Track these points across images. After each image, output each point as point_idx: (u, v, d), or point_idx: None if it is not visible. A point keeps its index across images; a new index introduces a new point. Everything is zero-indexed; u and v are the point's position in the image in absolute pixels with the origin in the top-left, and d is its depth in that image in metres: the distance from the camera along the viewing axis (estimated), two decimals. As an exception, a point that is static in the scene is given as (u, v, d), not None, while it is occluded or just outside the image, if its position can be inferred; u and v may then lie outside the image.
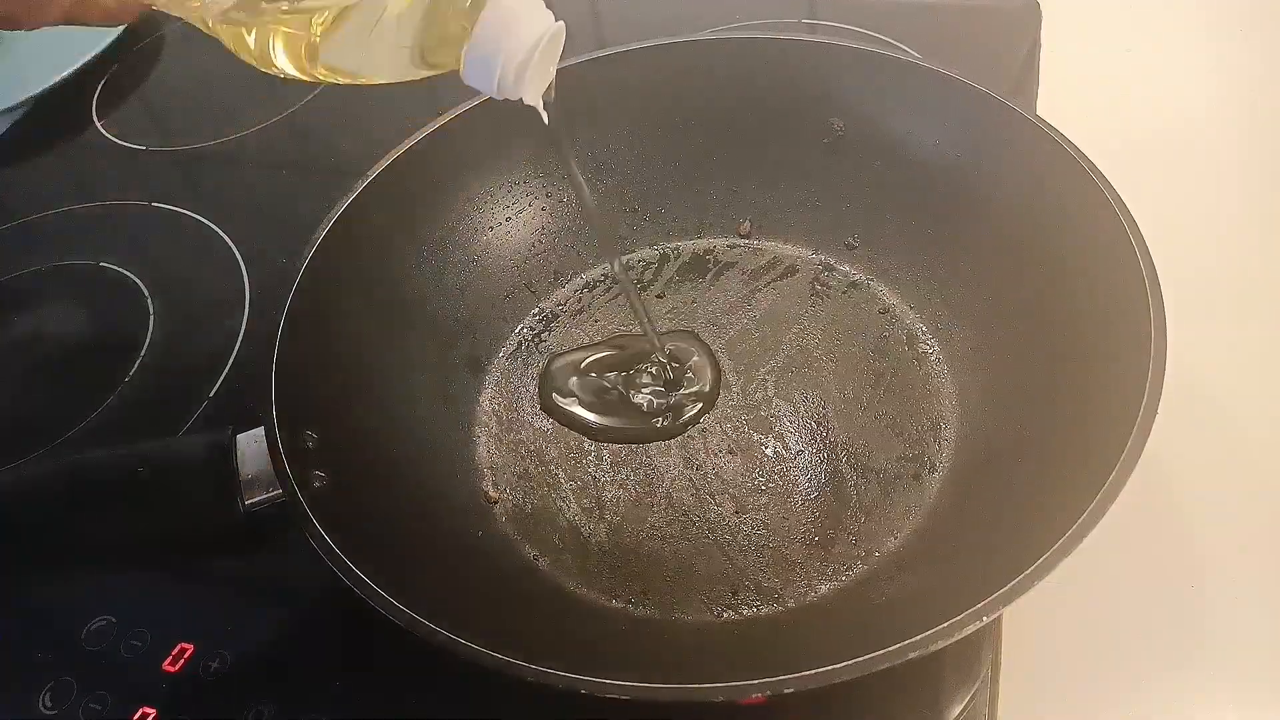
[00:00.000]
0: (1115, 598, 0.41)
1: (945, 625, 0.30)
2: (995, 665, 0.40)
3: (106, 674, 0.44)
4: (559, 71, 0.52)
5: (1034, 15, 0.69)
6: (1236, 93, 0.64)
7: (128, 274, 0.64)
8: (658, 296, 0.55)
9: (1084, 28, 0.69)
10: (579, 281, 0.56)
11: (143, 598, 0.47)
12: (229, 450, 0.40)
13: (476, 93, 0.50)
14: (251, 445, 0.40)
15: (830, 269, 0.54)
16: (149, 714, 0.42)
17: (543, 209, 0.56)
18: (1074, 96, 0.63)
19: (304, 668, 0.42)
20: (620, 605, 0.42)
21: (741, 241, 0.56)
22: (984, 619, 0.31)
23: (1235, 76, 0.66)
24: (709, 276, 0.55)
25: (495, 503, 0.47)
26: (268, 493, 0.39)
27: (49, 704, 0.43)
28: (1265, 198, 0.58)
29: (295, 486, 0.37)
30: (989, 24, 0.69)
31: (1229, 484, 0.45)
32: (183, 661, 0.43)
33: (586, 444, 0.49)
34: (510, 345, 0.54)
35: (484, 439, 0.50)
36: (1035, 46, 0.67)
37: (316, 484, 0.39)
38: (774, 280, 0.54)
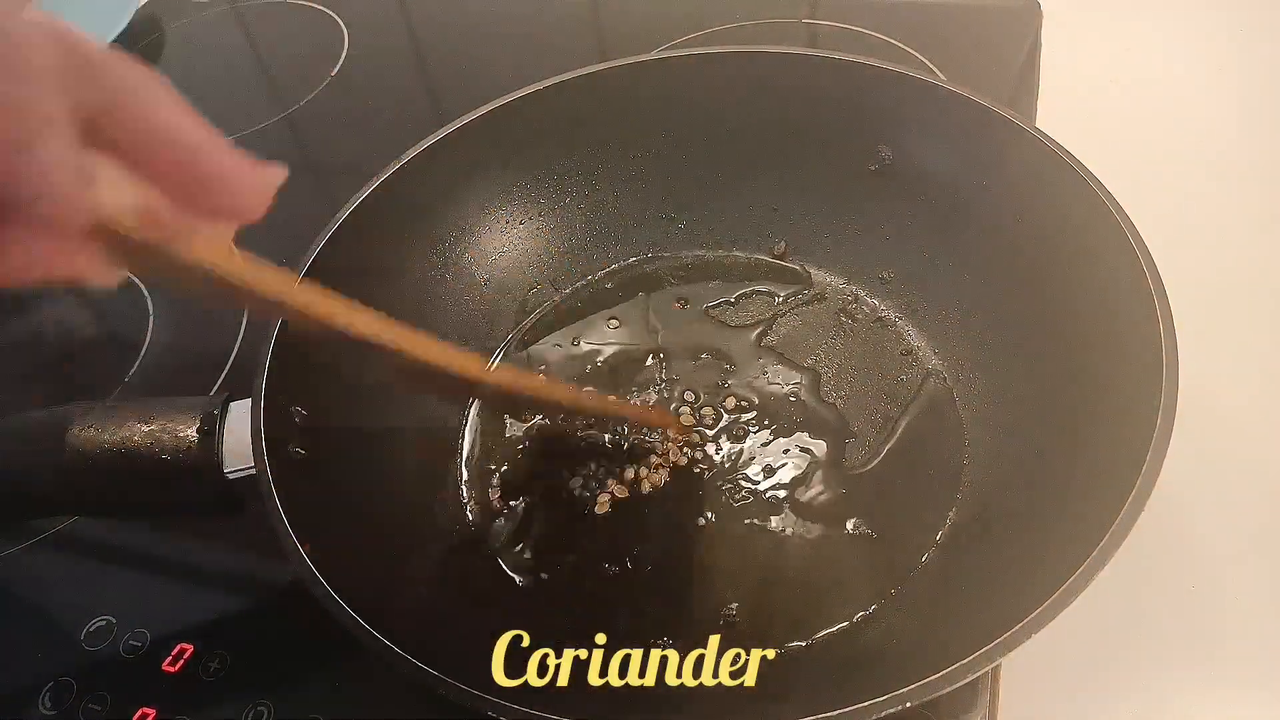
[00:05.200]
0: (1117, 597, 0.41)
1: (951, 670, 0.30)
2: (995, 667, 0.39)
3: (106, 674, 0.44)
4: (613, 69, 0.52)
5: (1034, 14, 0.69)
6: (1236, 88, 0.64)
7: (127, 274, 0.64)
8: (678, 301, 0.55)
9: (1084, 27, 0.69)
10: (580, 291, 0.56)
11: (143, 598, 0.47)
12: (217, 416, 0.40)
13: (481, 103, 0.51)
14: (240, 414, 0.40)
15: (859, 301, 0.53)
16: (149, 714, 0.42)
17: (542, 218, 0.56)
18: (1074, 96, 0.63)
19: (304, 668, 0.42)
20: (607, 639, 0.41)
21: (774, 261, 0.55)
22: (991, 662, 0.30)
23: (1235, 72, 0.66)
24: (734, 293, 0.54)
25: (486, 514, 0.47)
26: (246, 463, 0.39)
27: (49, 704, 0.43)
28: (1267, 194, 0.58)
29: (265, 451, 0.38)
30: (990, 23, 0.69)
31: (1229, 487, 0.45)
32: (182, 662, 0.43)
33: (580, 469, 0.48)
34: (511, 350, 0.54)
35: (475, 447, 0.50)
36: (1036, 46, 0.67)
37: (294, 459, 0.39)
38: (799, 305, 0.53)
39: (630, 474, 0.47)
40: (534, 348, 0.54)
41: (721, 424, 0.49)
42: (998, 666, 0.40)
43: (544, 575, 0.44)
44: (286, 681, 0.42)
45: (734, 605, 0.42)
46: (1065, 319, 0.43)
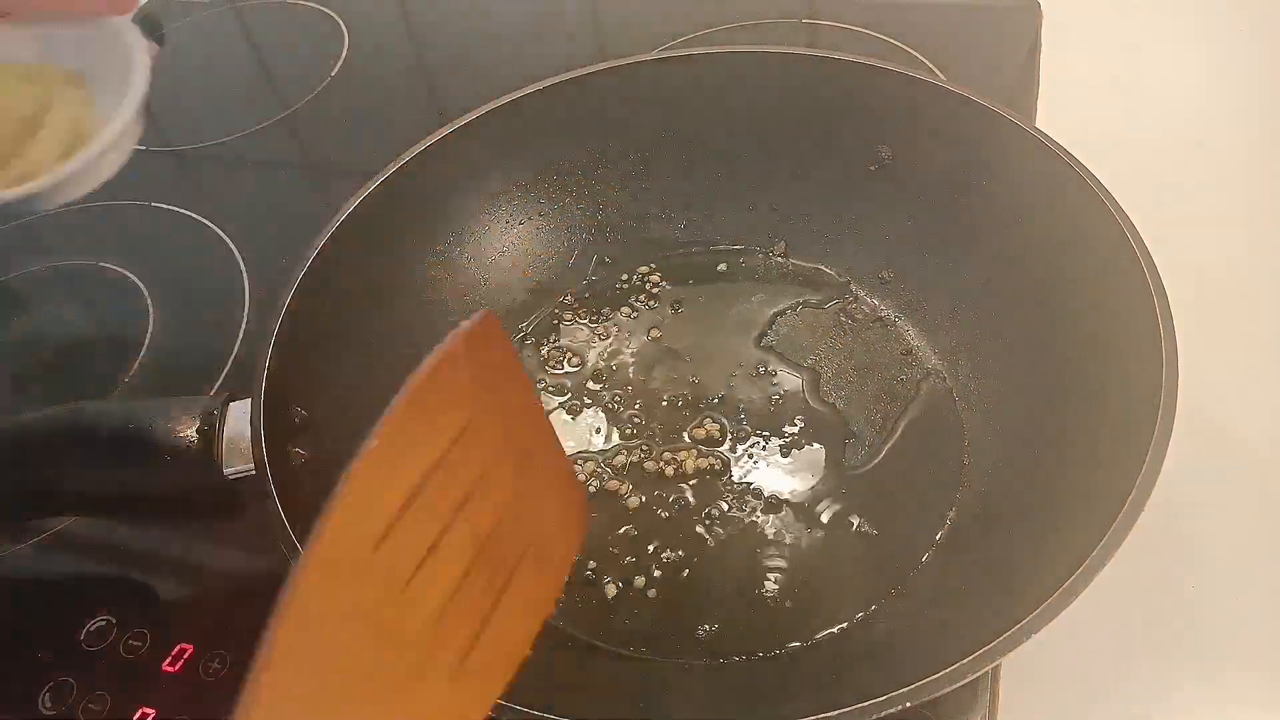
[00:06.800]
0: (1117, 598, 0.41)
1: (951, 669, 0.30)
2: (995, 667, 0.40)
3: (106, 674, 0.44)
4: (613, 69, 0.52)
5: (1034, 14, 0.69)
6: (1236, 88, 0.64)
7: (128, 274, 0.64)
8: (678, 301, 0.54)
9: (1084, 26, 0.69)
10: (580, 291, 0.56)
11: (143, 598, 0.47)
12: (216, 416, 0.40)
13: (481, 103, 0.51)
14: (240, 414, 0.40)
15: (859, 301, 0.53)
16: (149, 714, 0.42)
17: (542, 218, 0.55)
18: (1074, 96, 0.63)
19: (304, 668, 0.42)
20: (610, 645, 0.42)
21: (775, 260, 0.55)
22: (991, 662, 0.31)
23: (1235, 72, 0.66)
24: (733, 294, 0.54)
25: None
26: (246, 463, 0.39)
27: (49, 704, 0.43)
28: (1267, 194, 0.58)
29: (265, 452, 0.38)
30: (989, 23, 0.69)
31: (1229, 487, 0.45)
32: (182, 662, 0.43)
33: (586, 473, 0.48)
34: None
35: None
36: (1036, 46, 0.67)
37: (295, 461, 0.39)
38: (799, 306, 0.53)
39: (630, 472, 0.47)
40: (534, 348, 0.54)
41: (722, 425, 0.49)
42: (998, 666, 0.40)
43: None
44: (286, 681, 0.42)
45: (734, 606, 0.42)
46: (1065, 319, 0.43)
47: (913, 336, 0.51)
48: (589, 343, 0.53)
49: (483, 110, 0.51)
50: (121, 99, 0.43)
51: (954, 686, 0.30)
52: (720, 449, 0.48)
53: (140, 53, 0.44)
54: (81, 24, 0.43)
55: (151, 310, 0.61)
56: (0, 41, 0.43)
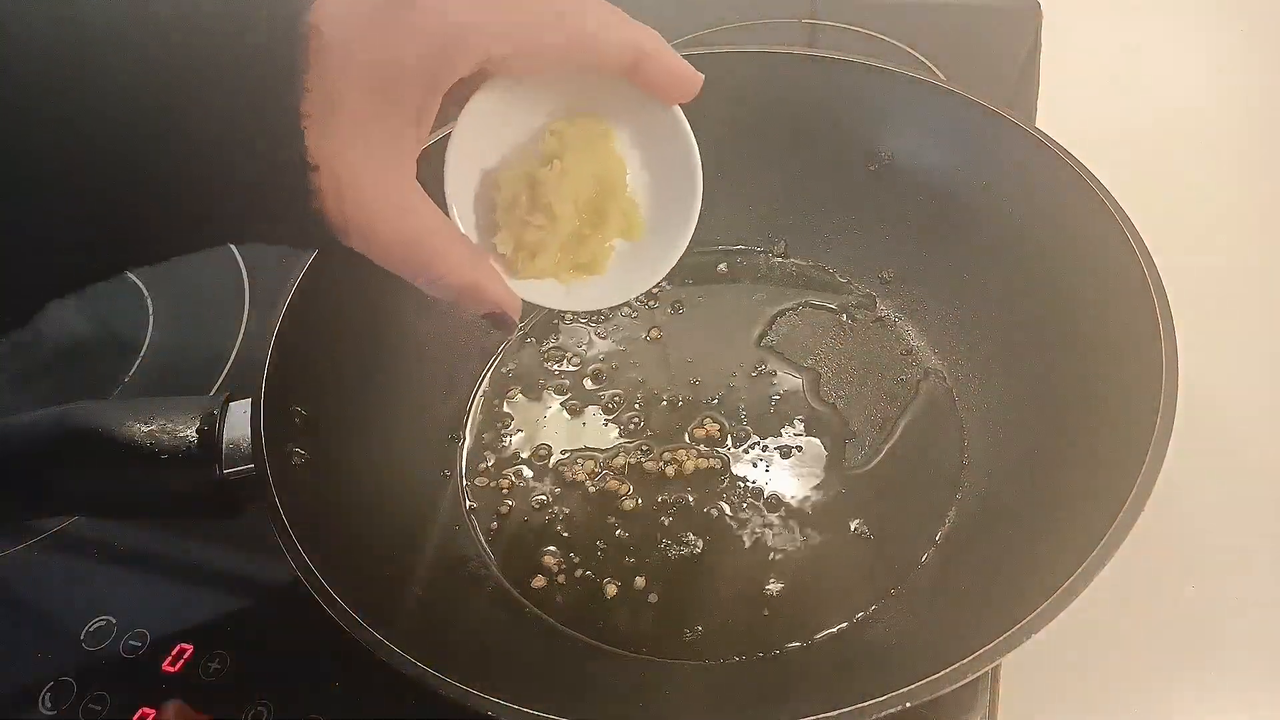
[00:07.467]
0: (1117, 598, 0.41)
1: (951, 670, 0.31)
2: (995, 667, 0.40)
3: (106, 674, 0.44)
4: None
5: (1034, 14, 0.69)
6: (1236, 88, 0.64)
7: (128, 274, 0.64)
8: (677, 301, 0.54)
9: (1084, 26, 0.69)
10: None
11: (143, 598, 0.47)
12: (216, 416, 0.40)
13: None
14: (240, 414, 0.40)
15: (859, 301, 0.53)
16: (149, 714, 0.42)
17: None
18: (1074, 96, 0.63)
19: (304, 668, 0.42)
20: (610, 646, 0.42)
21: (775, 260, 0.55)
22: (991, 662, 0.31)
23: (1235, 72, 0.66)
24: (733, 294, 0.54)
25: (485, 514, 0.47)
26: (246, 463, 0.39)
27: (49, 704, 0.43)
28: (1267, 194, 0.58)
29: (265, 452, 0.38)
30: (990, 23, 0.69)
31: (1229, 487, 0.45)
32: (182, 662, 0.43)
33: (585, 473, 0.48)
34: (511, 348, 0.54)
35: (476, 446, 0.50)
36: (1036, 46, 0.67)
37: (295, 460, 0.39)
38: (799, 306, 0.53)
39: (630, 473, 0.47)
40: (535, 348, 0.54)
41: (722, 425, 0.48)
42: (998, 666, 0.40)
43: (544, 575, 0.44)
44: (286, 681, 0.42)
45: (734, 606, 0.42)
46: (1065, 319, 0.43)
47: (913, 336, 0.51)
48: (589, 342, 0.53)
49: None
50: None
51: (954, 686, 0.30)
52: (720, 449, 0.48)
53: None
54: None
55: (152, 310, 0.61)
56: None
